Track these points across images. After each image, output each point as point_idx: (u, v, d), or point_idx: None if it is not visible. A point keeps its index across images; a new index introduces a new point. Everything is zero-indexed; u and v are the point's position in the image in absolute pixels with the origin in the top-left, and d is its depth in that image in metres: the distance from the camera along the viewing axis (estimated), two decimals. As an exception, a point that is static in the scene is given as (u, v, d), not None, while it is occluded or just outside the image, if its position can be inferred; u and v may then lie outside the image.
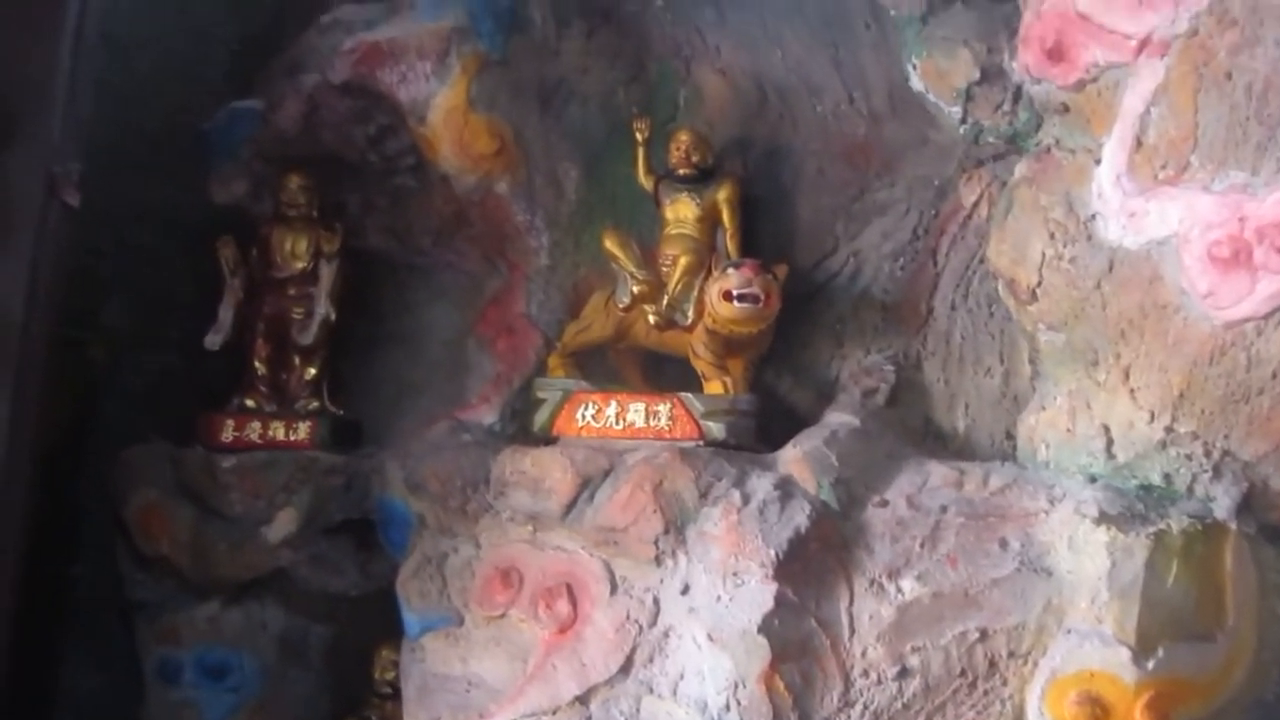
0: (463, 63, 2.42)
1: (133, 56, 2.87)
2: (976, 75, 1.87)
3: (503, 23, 2.51)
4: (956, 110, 1.93)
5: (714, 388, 2.14)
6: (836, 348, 2.28)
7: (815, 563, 1.75)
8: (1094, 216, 1.67)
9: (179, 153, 2.88)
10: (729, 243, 2.31)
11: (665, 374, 2.42)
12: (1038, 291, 1.76)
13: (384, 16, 2.56)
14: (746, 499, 1.84)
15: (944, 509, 1.76)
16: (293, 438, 2.54)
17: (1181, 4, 1.49)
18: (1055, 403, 1.77)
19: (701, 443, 2.08)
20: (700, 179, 2.33)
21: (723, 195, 2.31)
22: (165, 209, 2.96)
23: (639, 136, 2.40)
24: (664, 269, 2.28)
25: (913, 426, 2.10)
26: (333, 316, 2.63)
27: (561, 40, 2.63)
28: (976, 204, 2.14)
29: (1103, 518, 1.59)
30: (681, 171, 2.33)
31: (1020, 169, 1.81)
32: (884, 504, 1.82)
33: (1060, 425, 1.75)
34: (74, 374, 2.73)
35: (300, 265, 2.65)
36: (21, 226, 2.07)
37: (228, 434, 2.54)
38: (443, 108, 2.41)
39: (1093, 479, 1.69)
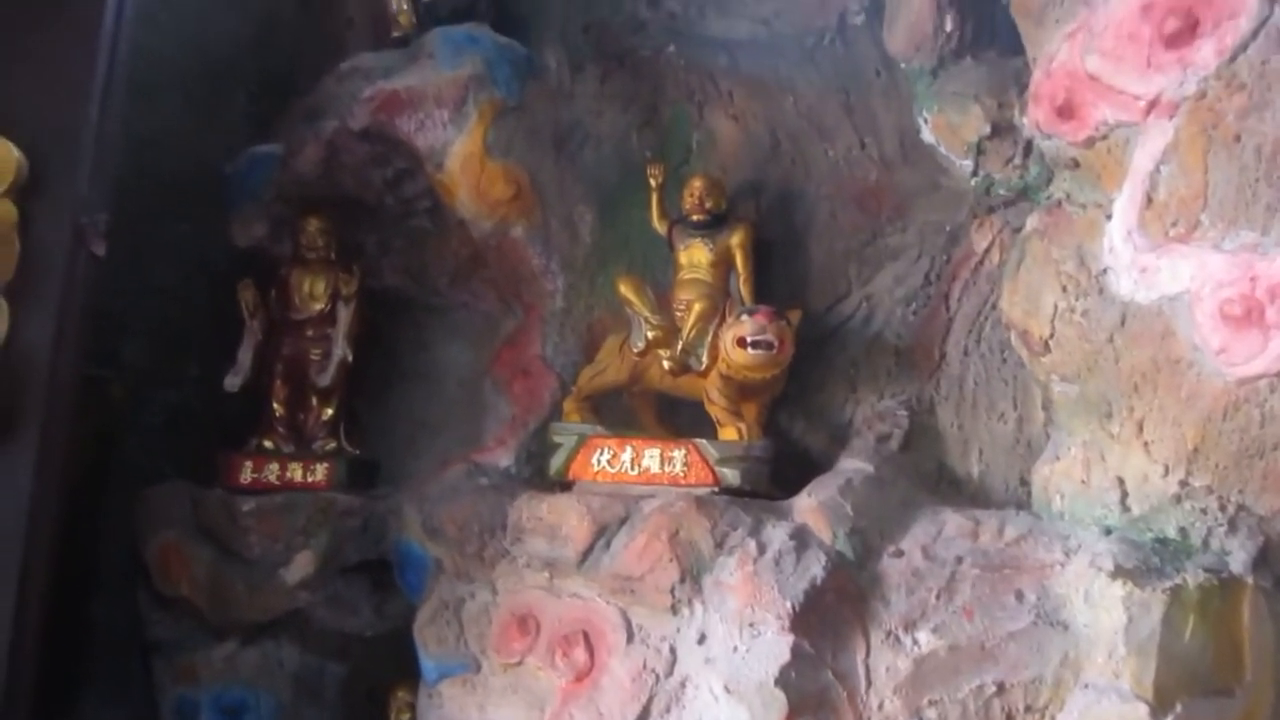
0: (479, 110, 2.47)
1: (155, 99, 2.91)
2: (987, 130, 1.90)
3: (519, 70, 2.56)
4: (968, 163, 1.96)
5: (729, 434, 2.16)
6: (850, 391, 2.30)
7: (831, 614, 1.76)
8: (1105, 271, 1.68)
9: (199, 194, 2.93)
10: (742, 287, 2.33)
11: (680, 416, 2.44)
12: (1050, 343, 1.77)
13: (402, 64, 2.61)
14: (762, 549, 1.85)
15: (959, 560, 1.77)
16: (310, 479, 2.57)
17: (1189, 67, 1.51)
18: (1069, 453, 1.78)
19: (716, 489, 2.09)
20: (713, 224, 2.36)
21: (736, 240, 2.34)
22: (186, 249, 3.02)
23: (653, 182, 2.44)
24: (678, 314, 2.31)
25: (926, 472, 2.11)
26: (350, 358, 2.67)
27: (576, 84, 2.68)
28: (988, 250, 2.16)
29: (1118, 571, 1.59)
30: (695, 217, 2.36)
31: (1032, 221, 1.83)
32: (899, 554, 1.83)
33: (1075, 476, 1.76)
34: (95, 411, 2.77)
35: (318, 307, 2.70)
36: (49, 276, 2.10)
37: (246, 475, 2.57)
38: (460, 155, 2.46)
39: (1108, 531, 1.70)
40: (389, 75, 2.57)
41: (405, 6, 2.77)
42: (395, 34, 2.78)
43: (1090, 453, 1.74)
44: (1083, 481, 1.75)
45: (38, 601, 2.21)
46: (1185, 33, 1.50)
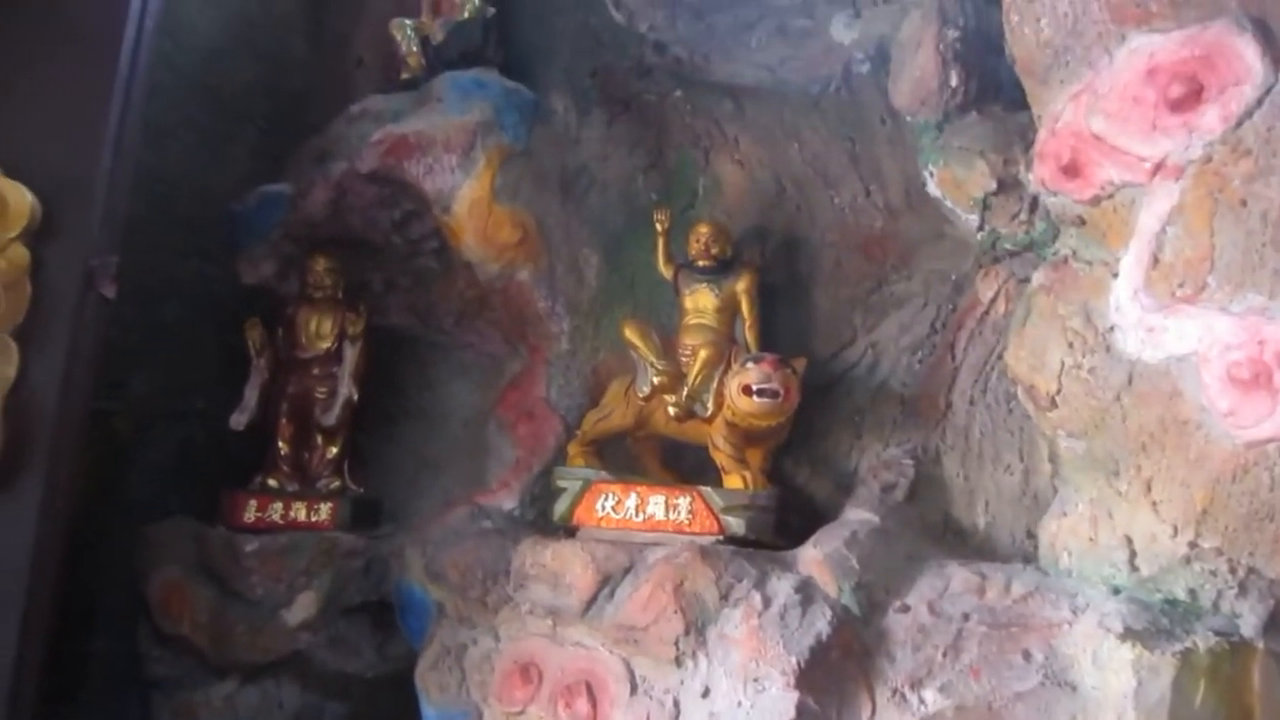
0: (487, 155, 2.48)
1: (167, 137, 2.94)
2: (993, 185, 1.89)
3: (526, 115, 2.58)
4: (973, 218, 1.95)
5: (733, 482, 2.14)
6: (855, 439, 2.28)
7: (837, 670, 1.74)
8: (1112, 328, 1.67)
9: (208, 230, 2.94)
10: (748, 333, 2.33)
11: (684, 460, 2.43)
12: (1057, 399, 1.76)
13: (411, 108, 2.62)
14: (767, 602, 1.83)
15: (966, 617, 1.75)
16: (314, 519, 2.56)
17: (1195, 132, 1.51)
18: (1077, 510, 1.77)
19: (721, 538, 2.08)
20: (720, 270, 2.36)
21: (742, 286, 2.34)
22: (193, 284, 3.02)
23: (659, 227, 2.44)
24: (683, 359, 2.30)
25: (932, 523, 2.09)
26: (355, 397, 2.67)
27: (582, 129, 2.70)
28: (994, 300, 2.16)
29: (1128, 634, 1.57)
30: (701, 263, 2.37)
31: (1038, 277, 1.83)
32: (905, 609, 1.81)
33: (1082, 534, 1.74)
34: (99, 445, 2.76)
35: (325, 345, 2.70)
36: (59, 319, 2.09)
37: (250, 514, 2.56)
38: (467, 199, 2.47)
39: (1116, 591, 1.68)
40: (398, 119, 2.58)
41: (414, 49, 2.80)
42: (404, 75, 2.80)
43: (1098, 510, 1.72)
44: (1090, 539, 1.73)
45: (40, 640, 2.19)
46: (1190, 98, 1.50)
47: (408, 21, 2.81)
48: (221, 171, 3.10)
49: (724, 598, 1.88)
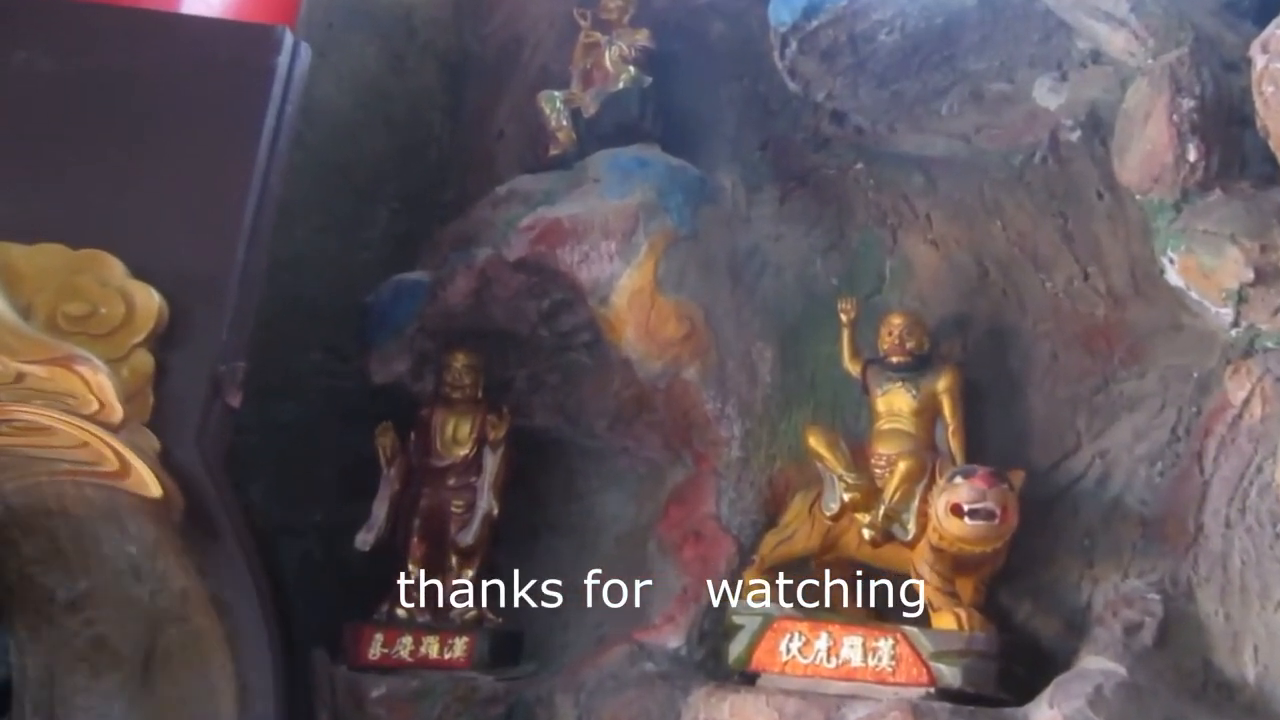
0: (650, 242, 2.66)
1: (292, 219, 3.06)
2: (1249, 275, 1.93)
3: (692, 195, 2.76)
4: (1226, 312, 2.02)
5: (944, 620, 2.17)
6: (1086, 567, 2.32)
7: None
8: None
9: (333, 321, 3.17)
10: (951, 440, 2.41)
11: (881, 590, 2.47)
12: (1350, 532, 1.79)
13: (564, 189, 2.83)
14: (998, 774, 1.87)
15: (1249, 799, 1.77)
16: (448, 656, 2.65)
17: None
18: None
19: (932, 690, 2.11)
20: (916, 366, 2.46)
21: (942, 385, 2.43)
22: (314, 380, 3.25)
23: (844, 318, 2.55)
24: (877, 471, 2.39)
25: (1189, 673, 2.09)
26: (496, 512, 2.77)
27: (752, 207, 2.87)
28: (1247, 401, 2.18)
29: None
30: (894, 359, 2.47)
31: (1310, 382, 1.89)
32: (1171, 789, 1.84)
33: (1396, 699, 1.75)
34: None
35: (462, 453, 2.83)
36: (182, 431, 2.25)
37: (375, 650, 2.66)
38: (628, 290, 2.64)
39: None
40: (550, 201, 2.79)
41: (564, 123, 3.01)
42: (553, 152, 3.01)
43: None
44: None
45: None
46: None
47: (557, 94, 3.03)
48: (350, 256, 3.33)
49: (941, 766, 1.91)
